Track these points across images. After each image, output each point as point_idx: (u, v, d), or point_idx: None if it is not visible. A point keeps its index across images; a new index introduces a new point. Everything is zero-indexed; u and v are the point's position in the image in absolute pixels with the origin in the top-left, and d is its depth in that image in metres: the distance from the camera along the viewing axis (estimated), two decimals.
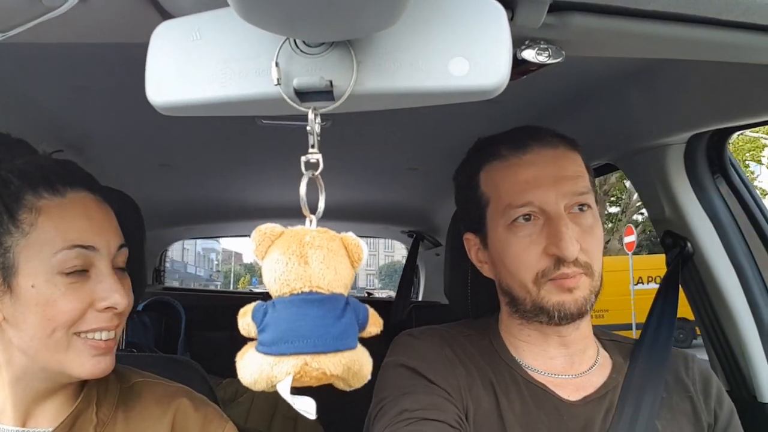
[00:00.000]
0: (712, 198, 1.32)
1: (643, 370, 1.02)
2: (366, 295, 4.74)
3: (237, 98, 0.52)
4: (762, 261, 1.31)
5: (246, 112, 0.55)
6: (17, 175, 0.78)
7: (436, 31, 0.51)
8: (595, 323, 1.06)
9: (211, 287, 20.12)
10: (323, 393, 0.55)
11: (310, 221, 0.51)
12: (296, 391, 0.47)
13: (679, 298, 1.25)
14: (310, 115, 0.51)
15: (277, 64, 0.50)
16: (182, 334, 2.71)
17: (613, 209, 18.37)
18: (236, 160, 2.00)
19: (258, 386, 0.48)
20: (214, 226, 3.46)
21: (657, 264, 10.79)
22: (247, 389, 0.50)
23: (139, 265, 1.11)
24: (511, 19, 0.58)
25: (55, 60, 1.12)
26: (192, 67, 0.52)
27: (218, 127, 1.59)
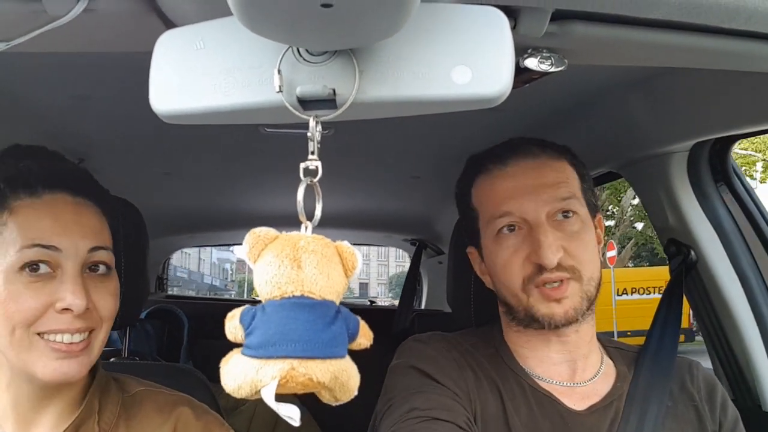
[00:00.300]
0: (716, 206, 1.32)
1: (648, 379, 1.02)
2: (369, 303, 4.73)
3: (240, 106, 0.52)
4: (765, 269, 1.31)
5: (249, 121, 0.55)
6: (2, 179, 0.80)
7: (438, 40, 0.51)
8: None
9: (226, 296, 20.16)
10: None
11: (306, 227, 0.51)
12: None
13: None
14: (311, 122, 0.51)
15: (279, 73, 0.50)
16: (185, 342, 2.69)
17: (609, 223, 18.40)
18: (239, 168, 1.99)
19: (242, 392, 0.46)
20: (218, 234, 3.44)
21: (638, 276, 11.79)
22: None
23: (141, 273, 1.11)
24: (513, 28, 0.58)
25: (58, 68, 1.13)
26: (195, 76, 0.52)
27: (221, 135, 1.59)
